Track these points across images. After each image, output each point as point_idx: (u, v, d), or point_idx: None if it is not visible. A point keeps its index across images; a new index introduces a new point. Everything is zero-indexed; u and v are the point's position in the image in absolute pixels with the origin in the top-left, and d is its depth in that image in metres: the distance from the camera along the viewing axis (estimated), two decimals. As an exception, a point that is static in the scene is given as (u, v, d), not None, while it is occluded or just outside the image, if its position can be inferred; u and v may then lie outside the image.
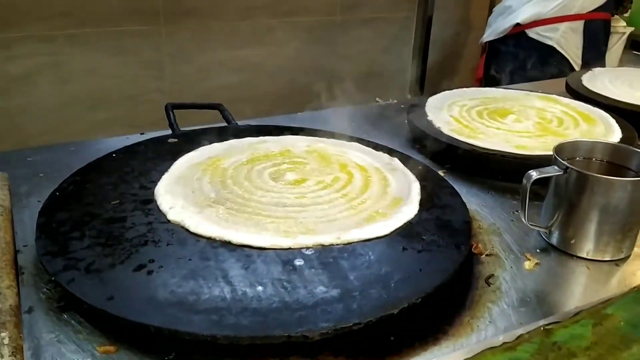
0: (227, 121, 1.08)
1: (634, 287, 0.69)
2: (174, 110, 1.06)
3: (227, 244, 0.68)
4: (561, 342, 0.58)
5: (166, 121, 1.04)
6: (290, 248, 0.67)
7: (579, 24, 2.04)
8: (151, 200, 0.77)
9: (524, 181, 0.74)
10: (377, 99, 1.37)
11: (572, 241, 0.76)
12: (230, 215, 0.74)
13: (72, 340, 0.57)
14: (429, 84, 2.55)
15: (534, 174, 0.74)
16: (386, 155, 0.93)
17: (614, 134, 1.05)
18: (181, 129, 1.03)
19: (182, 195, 0.78)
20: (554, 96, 1.27)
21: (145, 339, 0.57)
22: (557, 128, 1.09)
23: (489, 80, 2.19)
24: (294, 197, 0.79)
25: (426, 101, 1.19)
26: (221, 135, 0.99)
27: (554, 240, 0.78)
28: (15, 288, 0.62)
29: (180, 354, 0.56)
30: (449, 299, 0.66)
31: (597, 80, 1.39)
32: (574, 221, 0.75)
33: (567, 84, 1.38)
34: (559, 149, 0.78)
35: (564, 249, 0.77)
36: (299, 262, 0.65)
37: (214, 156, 0.91)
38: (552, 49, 2.04)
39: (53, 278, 0.61)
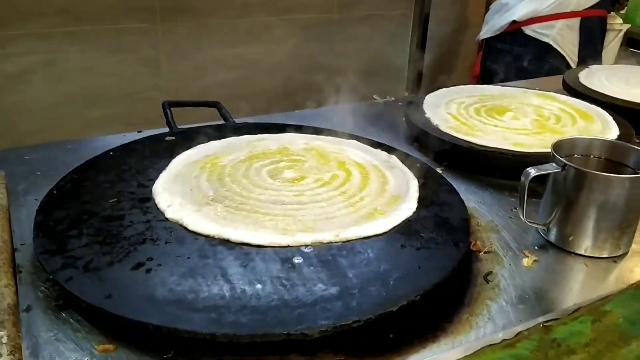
0: (225, 119, 1.08)
1: (633, 284, 0.69)
2: (171, 108, 1.05)
3: (225, 242, 0.68)
4: (560, 338, 0.58)
5: (163, 119, 1.04)
6: (289, 246, 0.67)
7: (575, 21, 2.05)
8: (149, 199, 0.77)
9: (522, 178, 0.74)
10: (374, 96, 1.37)
11: (570, 238, 0.76)
12: (228, 213, 0.73)
13: (71, 338, 0.57)
14: (426, 81, 2.55)
15: (532, 171, 0.74)
16: (384, 153, 0.93)
17: (611, 131, 1.05)
18: (178, 126, 1.03)
19: (180, 193, 0.78)
20: (552, 93, 1.27)
21: (144, 337, 0.56)
22: (555, 125, 1.10)
23: (485, 77, 2.20)
24: (292, 195, 0.79)
25: (424, 99, 1.19)
26: (219, 133, 0.98)
27: (552, 237, 0.78)
28: (13, 287, 0.62)
29: (179, 352, 0.56)
30: (447, 297, 0.66)
31: (594, 78, 1.40)
32: (572, 218, 0.75)
33: (564, 81, 1.38)
34: (556, 146, 0.78)
35: (562, 246, 0.77)
36: (297, 260, 0.65)
37: (211, 154, 0.90)
38: (548, 46, 2.05)
39: (51, 276, 0.61)
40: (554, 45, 2.04)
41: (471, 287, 0.69)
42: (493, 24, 2.16)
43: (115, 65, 1.95)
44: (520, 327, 0.61)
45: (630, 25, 2.39)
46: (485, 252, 0.76)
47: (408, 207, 0.77)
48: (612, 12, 2.22)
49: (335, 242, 0.68)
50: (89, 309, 0.58)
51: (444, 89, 1.26)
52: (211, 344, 0.55)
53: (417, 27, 2.51)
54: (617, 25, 2.34)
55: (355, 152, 0.94)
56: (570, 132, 1.06)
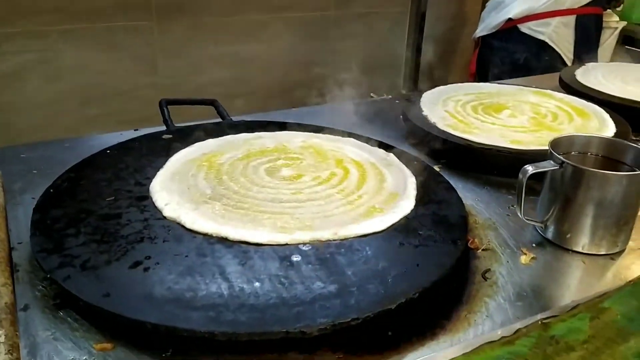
0: (222, 117, 1.08)
1: (630, 281, 0.70)
2: (168, 106, 1.05)
3: (223, 240, 0.68)
4: (559, 335, 0.58)
5: (159, 117, 1.04)
6: (287, 244, 0.67)
7: (571, 19, 2.05)
8: (146, 197, 0.77)
9: (520, 176, 0.74)
10: (371, 94, 1.37)
11: (568, 235, 0.76)
12: (226, 211, 0.73)
13: (69, 337, 0.57)
14: (423, 79, 2.55)
15: (530, 169, 0.74)
16: (382, 151, 0.93)
17: (608, 128, 1.06)
18: (175, 124, 1.03)
19: (177, 191, 0.77)
20: (548, 91, 1.28)
21: (142, 336, 0.56)
22: (552, 123, 1.10)
23: (481, 75, 2.20)
24: (290, 193, 0.79)
25: (421, 96, 1.19)
26: (216, 131, 0.98)
27: (550, 234, 0.78)
28: (11, 286, 0.61)
29: (178, 350, 0.56)
30: (446, 294, 0.66)
31: (590, 75, 1.40)
32: (570, 215, 0.75)
33: (560, 79, 1.39)
34: (554, 143, 0.78)
35: (559, 243, 0.77)
36: (296, 258, 0.65)
37: (209, 152, 0.90)
38: (544, 44, 2.05)
39: (48, 275, 0.60)
40: (550, 43, 2.04)
41: (469, 285, 0.69)
42: (489, 22, 2.16)
43: (111, 63, 1.94)
44: (519, 324, 0.61)
45: (626, 22, 2.40)
46: (483, 250, 0.76)
47: (406, 205, 0.77)
48: (608, 10, 2.23)
49: (334, 240, 0.68)
50: (86, 308, 0.58)
51: (441, 87, 1.26)
52: (210, 343, 0.55)
53: (413, 25, 2.51)
54: (614, 23, 2.35)
55: (353, 149, 0.94)
56: (567, 129, 1.06)
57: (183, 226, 0.70)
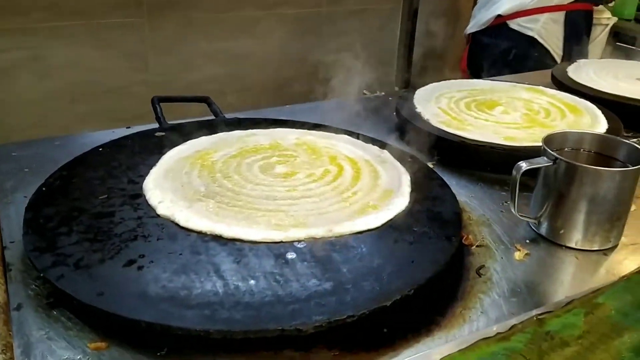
0: (215, 114, 1.07)
1: (624, 276, 0.70)
2: (161, 104, 1.04)
3: (218, 238, 0.67)
4: (554, 331, 0.58)
5: (151, 114, 1.03)
6: (281, 241, 0.67)
7: (560, 15, 2.05)
8: (140, 195, 0.77)
9: (514, 172, 0.74)
10: (364, 91, 1.36)
11: (561, 231, 0.76)
12: (220, 209, 0.73)
13: (63, 337, 0.57)
14: (415, 76, 2.55)
15: (524, 165, 0.74)
16: (376, 148, 0.93)
17: (600, 124, 1.06)
18: (167, 122, 1.02)
19: (171, 189, 0.77)
20: (541, 87, 1.28)
21: (137, 334, 0.56)
22: (545, 119, 1.10)
23: (472, 71, 2.20)
24: (284, 190, 0.78)
25: (414, 93, 1.19)
26: (209, 128, 0.98)
27: (543, 230, 0.79)
28: (3, 285, 0.61)
29: (173, 349, 0.56)
30: (440, 291, 0.66)
31: (582, 72, 1.40)
32: (563, 212, 0.76)
33: (552, 76, 1.39)
34: (547, 140, 0.79)
35: (553, 239, 0.78)
36: (291, 256, 0.65)
37: (202, 149, 0.90)
38: (533, 40, 2.05)
39: (42, 274, 0.60)
40: (538, 39, 2.04)
41: (464, 281, 0.69)
42: (479, 18, 2.16)
43: (102, 61, 1.93)
44: (514, 320, 0.61)
45: (617, 18, 2.41)
46: (477, 246, 0.76)
47: (400, 202, 0.77)
48: (600, 6, 2.23)
49: (329, 237, 0.68)
50: (80, 307, 0.57)
51: (434, 84, 1.26)
52: (205, 341, 0.54)
53: (405, 22, 2.51)
54: (605, 20, 2.35)
55: (347, 146, 0.94)
56: (559, 126, 1.07)
57: (177, 224, 0.70)
